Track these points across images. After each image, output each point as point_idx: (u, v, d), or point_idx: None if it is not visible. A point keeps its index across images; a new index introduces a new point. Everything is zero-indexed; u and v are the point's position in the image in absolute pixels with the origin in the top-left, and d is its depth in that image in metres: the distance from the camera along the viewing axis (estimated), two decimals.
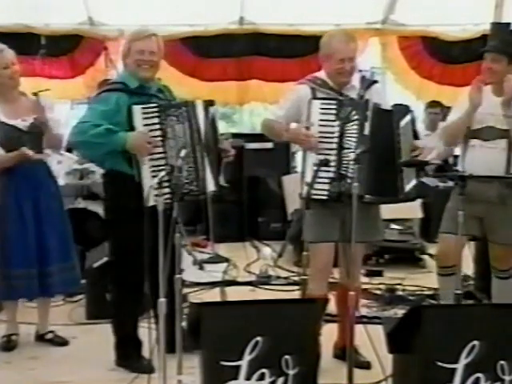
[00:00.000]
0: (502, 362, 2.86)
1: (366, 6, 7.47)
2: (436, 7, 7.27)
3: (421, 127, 7.77)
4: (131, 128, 3.49)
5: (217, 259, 6.17)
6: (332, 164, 3.45)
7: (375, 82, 3.84)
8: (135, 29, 3.82)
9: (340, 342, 3.84)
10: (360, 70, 3.86)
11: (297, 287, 4.18)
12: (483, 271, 4.62)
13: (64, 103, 7.59)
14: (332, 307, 3.68)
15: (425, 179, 7.06)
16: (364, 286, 4.69)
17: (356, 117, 3.46)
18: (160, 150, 3.50)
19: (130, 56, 3.65)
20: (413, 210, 6.33)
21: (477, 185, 3.80)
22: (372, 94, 3.65)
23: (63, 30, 7.47)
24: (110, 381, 3.72)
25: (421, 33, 7.87)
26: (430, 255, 5.87)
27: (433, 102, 7.57)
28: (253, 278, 5.59)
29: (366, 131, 3.44)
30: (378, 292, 5.12)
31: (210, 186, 3.62)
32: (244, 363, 2.82)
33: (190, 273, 4.21)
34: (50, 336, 4.22)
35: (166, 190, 3.24)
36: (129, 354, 3.81)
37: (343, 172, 3.45)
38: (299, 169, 3.81)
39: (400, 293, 5.11)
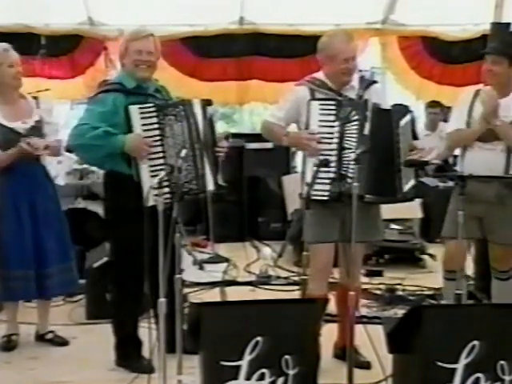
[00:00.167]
0: (502, 362, 2.86)
1: (366, 5, 7.46)
2: (436, 7, 7.27)
3: (421, 127, 7.79)
4: (129, 128, 3.48)
5: (217, 259, 6.17)
6: (332, 164, 3.45)
7: (374, 82, 3.85)
8: (133, 29, 3.82)
9: (340, 342, 3.84)
10: (360, 70, 3.86)
11: (297, 287, 4.18)
12: (483, 271, 4.62)
13: (64, 103, 7.61)
14: (332, 307, 3.68)
15: (425, 179, 7.08)
16: (364, 286, 4.69)
17: (356, 117, 3.47)
18: (159, 149, 3.50)
19: (128, 56, 3.65)
20: (413, 210, 6.33)
21: (476, 185, 3.80)
22: (371, 94, 3.65)
23: (63, 29, 7.47)
24: (110, 381, 3.72)
25: (421, 33, 7.87)
26: (430, 255, 5.87)
27: (433, 101, 7.58)
28: (253, 278, 5.59)
29: (366, 131, 3.44)
30: (378, 292, 5.13)
31: (210, 186, 3.61)
32: (244, 363, 2.82)
33: (190, 273, 4.21)
34: (50, 336, 4.23)
35: (166, 190, 3.24)
36: (129, 354, 3.81)
37: (343, 172, 3.45)
38: (299, 169, 3.81)
39: (400, 293, 5.12)
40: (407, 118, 3.57)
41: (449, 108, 7.29)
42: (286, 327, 2.86)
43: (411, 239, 6.11)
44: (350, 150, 3.43)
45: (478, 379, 2.85)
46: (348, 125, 3.47)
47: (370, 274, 5.52)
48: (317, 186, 3.41)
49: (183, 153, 3.35)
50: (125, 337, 3.83)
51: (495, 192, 3.90)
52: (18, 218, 3.98)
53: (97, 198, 5.62)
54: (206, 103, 3.68)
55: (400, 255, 5.95)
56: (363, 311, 4.55)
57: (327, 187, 3.46)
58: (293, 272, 5.63)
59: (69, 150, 5.92)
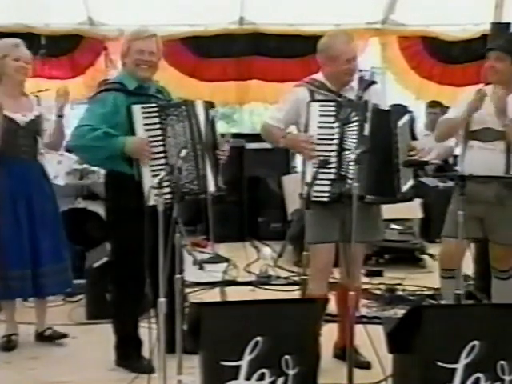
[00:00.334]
0: (502, 361, 2.86)
1: (366, 5, 7.46)
2: (436, 7, 7.27)
3: (421, 127, 7.78)
4: (131, 128, 3.48)
5: (217, 259, 6.17)
6: (332, 165, 3.45)
7: (373, 82, 3.84)
8: (135, 28, 3.82)
9: (340, 342, 3.84)
10: (360, 70, 3.87)
11: (297, 287, 4.18)
12: (483, 271, 4.62)
13: None
14: (332, 307, 3.68)
15: (425, 179, 7.08)
16: (364, 286, 4.69)
17: (355, 118, 3.47)
18: (160, 149, 3.50)
19: (130, 55, 3.64)
20: (413, 209, 6.33)
21: (475, 185, 3.80)
22: (370, 94, 3.65)
23: (63, 29, 7.47)
24: (110, 381, 3.72)
25: (421, 33, 7.86)
26: (430, 255, 5.87)
27: (433, 102, 7.58)
28: (253, 278, 5.60)
29: (366, 132, 3.44)
30: (378, 292, 5.13)
31: (211, 187, 3.61)
32: (244, 363, 2.82)
33: (190, 273, 4.20)
34: (48, 332, 4.22)
35: (166, 190, 3.24)
36: (129, 354, 3.81)
37: (343, 173, 3.45)
38: (299, 169, 3.81)
39: (400, 293, 5.12)
40: (405, 118, 3.58)
41: (449, 108, 7.30)
42: (286, 327, 2.86)
43: (411, 239, 6.11)
44: (350, 151, 3.42)
45: (477, 379, 2.85)
46: (348, 126, 3.47)
47: (369, 273, 5.52)
48: (317, 187, 3.41)
49: (183, 153, 3.35)
50: (125, 337, 3.83)
51: (495, 192, 3.90)
52: (16, 218, 3.98)
53: (97, 198, 5.62)
54: (209, 105, 3.68)
55: (400, 255, 5.95)
56: (363, 311, 4.55)
57: (327, 188, 3.46)
58: (293, 272, 5.63)
59: (69, 150, 5.95)
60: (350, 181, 3.36)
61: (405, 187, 3.51)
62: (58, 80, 7.36)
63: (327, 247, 3.61)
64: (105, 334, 3.98)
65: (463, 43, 7.72)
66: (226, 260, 6.15)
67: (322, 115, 3.50)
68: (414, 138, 6.02)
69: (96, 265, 4.61)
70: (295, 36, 7.67)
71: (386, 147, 3.47)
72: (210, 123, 3.64)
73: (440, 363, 2.83)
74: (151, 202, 3.22)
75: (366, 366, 3.76)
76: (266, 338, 2.82)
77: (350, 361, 3.23)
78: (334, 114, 3.49)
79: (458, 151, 4.26)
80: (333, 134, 3.49)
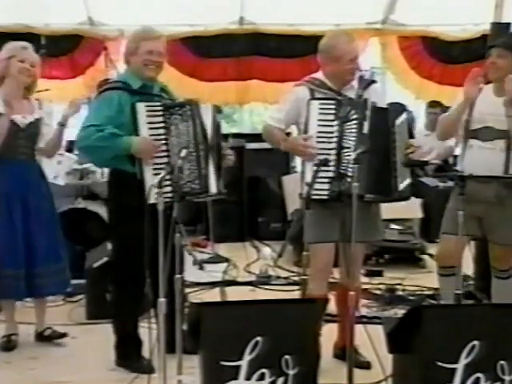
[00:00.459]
0: (502, 361, 2.86)
1: (366, 5, 7.47)
2: (436, 7, 7.27)
3: (420, 127, 7.78)
4: (135, 126, 3.48)
5: (217, 259, 6.18)
6: (331, 163, 3.46)
7: (373, 81, 3.84)
8: (140, 28, 3.79)
9: (340, 342, 3.84)
10: (360, 70, 3.87)
11: (297, 287, 4.18)
12: (483, 271, 4.62)
13: (64, 103, 7.60)
14: (332, 307, 3.68)
15: (425, 179, 7.08)
16: (364, 286, 4.69)
17: (355, 116, 3.47)
18: (163, 148, 3.50)
19: (138, 55, 3.64)
20: (413, 209, 6.33)
21: (475, 185, 3.80)
22: (370, 93, 3.66)
23: (63, 29, 7.47)
24: (110, 381, 3.72)
25: (421, 33, 7.87)
26: (430, 255, 5.87)
27: (433, 102, 7.57)
28: (253, 278, 5.59)
29: (365, 130, 3.44)
30: (378, 292, 5.13)
31: (212, 188, 3.61)
32: (244, 363, 2.82)
33: (190, 273, 4.21)
34: (48, 332, 4.22)
35: (166, 189, 3.24)
36: (129, 354, 3.81)
37: (343, 171, 3.45)
38: (299, 169, 3.81)
39: (400, 293, 5.12)
40: (403, 116, 3.57)
41: (449, 108, 7.30)
42: (286, 327, 2.86)
43: (411, 239, 6.11)
44: (350, 150, 3.43)
45: (477, 379, 2.85)
46: (347, 124, 3.48)
47: (369, 273, 5.52)
48: (316, 186, 3.41)
49: (183, 153, 3.35)
50: (125, 337, 3.83)
51: (495, 192, 3.90)
52: (10, 217, 3.98)
53: (97, 198, 5.62)
54: (218, 110, 3.69)
55: (400, 255, 5.95)
56: (363, 311, 4.55)
57: (326, 186, 3.46)
58: (293, 272, 5.63)
59: (69, 150, 5.95)
60: (349, 179, 3.36)
61: (402, 186, 3.51)
62: (57, 80, 7.38)
63: (327, 247, 3.61)
64: (105, 333, 3.98)
65: (463, 43, 7.72)
66: (226, 260, 6.15)
67: (321, 113, 3.50)
68: (411, 136, 6.02)
69: (96, 265, 4.61)
70: (295, 36, 7.67)
71: (383, 145, 3.47)
72: (216, 127, 3.64)
73: (440, 363, 2.83)
74: (152, 200, 3.22)
75: (366, 366, 3.76)
76: (266, 337, 2.82)
77: (350, 361, 3.23)
78: (333, 112, 3.49)
79: (457, 151, 4.26)
80: (332, 132, 3.49)
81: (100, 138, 3.48)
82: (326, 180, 3.45)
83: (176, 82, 7.19)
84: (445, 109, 7.38)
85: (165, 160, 3.49)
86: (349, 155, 3.41)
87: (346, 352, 3.36)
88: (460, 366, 2.84)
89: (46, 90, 4.48)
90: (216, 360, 2.81)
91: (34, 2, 7.11)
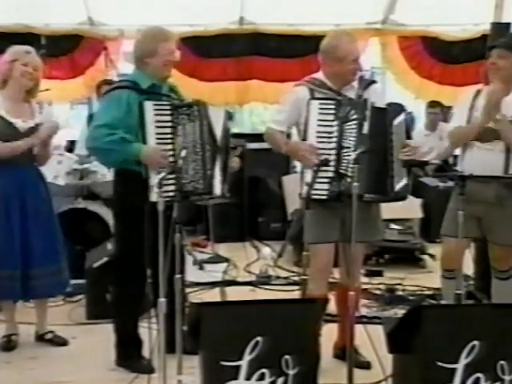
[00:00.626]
0: (502, 361, 2.86)
1: (366, 5, 7.46)
2: (436, 7, 7.27)
3: (420, 127, 7.79)
4: (142, 124, 3.46)
5: (217, 259, 6.18)
6: (331, 164, 3.45)
7: (373, 81, 3.84)
8: (151, 28, 3.78)
9: (340, 342, 3.84)
10: (361, 70, 3.87)
11: (297, 287, 4.18)
12: (483, 271, 4.62)
13: (64, 103, 7.61)
14: (332, 307, 3.68)
15: (425, 179, 7.09)
16: (364, 286, 4.69)
17: (355, 116, 3.47)
18: (169, 147, 3.50)
19: (157, 56, 3.64)
20: (413, 209, 6.34)
21: (475, 185, 3.80)
22: (370, 93, 3.65)
23: (63, 29, 7.47)
24: (110, 381, 3.72)
25: (421, 33, 7.86)
26: (430, 255, 5.87)
27: (433, 101, 7.58)
28: (253, 278, 5.59)
29: (365, 130, 3.43)
30: (378, 292, 5.13)
31: (217, 190, 3.60)
32: (244, 363, 2.82)
33: (190, 273, 4.22)
34: (49, 336, 4.23)
35: (167, 189, 3.25)
36: (129, 354, 3.81)
37: (342, 171, 3.45)
38: (299, 169, 3.81)
39: (400, 293, 5.12)
40: (401, 117, 3.57)
41: (449, 108, 7.30)
42: (286, 327, 2.86)
43: (411, 239, 6.11)
44: (349, 150, 3.43)
45: (477, 379, 2.85)
46: (347, 124, 3.48)
47: (369, 274, 5.52)
48: (316, 186, 3.41)
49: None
50: (125, 336, 3.83)
51: (494, 193, 3.89)
52: (7, 218, 3.97)
53: (97, 198, 5.62)
54: (229, 115, 3.70)
55: (400, 255, 5.95)
56: (363, 311, 4.55)
57: (326, 187, 3.46)
58: (293, 272, 5.63)
59: (69, 150, 5.96)
60: (349, 179, 3.36)
61: (398, 186, 3.51)
62: (57, 80, 7.37)
63: (327, 247, 3.61)
64: (105, 333, 3.98)
65: (463, 43, 7.71)
66: (226, 260, 6.15)
67: (321, 113, 3.49)
68: (408, 137, 6.04)
69: (96, 265, 4.61)
70: (295, 36, 7.66)
71: (380, 145, 3.46)
72: (226, 130, 3.64)
73: (440, 363, 2.83)
74: (153, 198, 3.22)
75: (366, 366, 3.76)
76: (266, 337, 2.82)
77: (350, 361, 3.23)
78: (333, 112, 3.49)
79: (458, 151, 4.25)
80: (332, 132, 3.48)
81: (110, 142, 3.48)
82: (325, 180, 3.45)
83: (176, 82, 7.16)
84: (445, 109, 7.43)
85: (170, 159, 3.49)
86: (348, 155, 3.41)
87: (345, 352, 3.36)
88: (460, 366, 2.84)
89: (46, 90, 4.47)
90: (216, 360, 2.81)
91: (34, 2, 7.10)
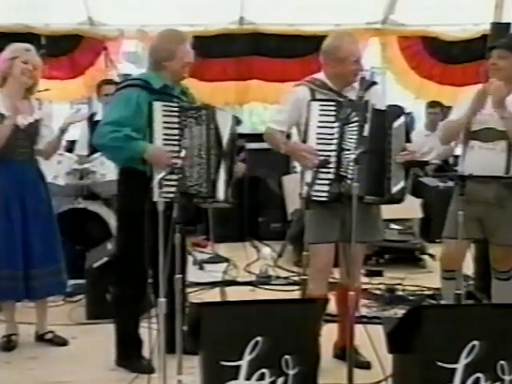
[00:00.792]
0: (502, 361, 2.86)
1: (366, 5, 7.47)
2: (436, 7, 7.27)
3: (420, 127, 7.78)
4: (150, 124, 3.47)
5: (217, 259, 6.18)
6: (331, 165, 3.45)
7: (374, 83, 3.84)
8: (166, 30, 3.79)
9: (340, 342, 3.84)
10: (363, 71, 3.87)
11: (297, 287, 4.18)
12: (483, 271, 4.62)
13: (64, 103, 7.60)
14: (332, 307, 3.68)
15: (425, 179, 7.09)
16: (364, 286, 4.69)
17: (355, 118, 3.46)
18: (175, 148, 3.50)
19: (176, 59, 3.65)
20: (413, 209, 6.34)
21: (475, 185, 3.80)
22: (371, 95, 3.64)
23: (63, 29, 7.47)
24: (110, 381, 3.72)
25: (421, 33, 7.86)
26: (430, 255, 5.87)
27: (433, 102, 7.58)
28: (253, 278, 5.59)
29: (366, 133, 3.43)
30: (378, 292, 5.13)
31: (220, 194, 3.60)
32: (244, 363, 2.82)
33: (190, 273, 4.22)
34: (49, 336, 4.23)
35: (172, 189, 3.26)
36: (129, 354, 3.81)
37: (342, 173, 3.44)
38: (299, 169, 3.81)
39: (400, 293, 5.12)
40: (401, 119, 3.57)
41: (449, 108, 7.29)
42: (286, 327, 2.86)
43: (411, 239, 6.11)
44: (350, 152, 3.42)
45: (477, 379, 2.85)
46: (348, 126, 3.47)
47: (369, 273, 5.51)
48: (316, 187, 3.41)
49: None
50: (126, 336, 3.82)
51: (495, 193, 3.89)
52: (8, 218, 3.97)
53: (97, 198, 5.62)
54: (237, 120, 3.69)
55: (400, 255, 5.95)
56: (363, 311, 4.55)
57: (326, 188, 3.46)
58: (293, 272, 5.63)
59: (69, 150, 5.95)
60: (348, 181, 3.36)
61: (395, 188, 3.51)
62: (57, 80, 7.37)
63: (327, 247, 3.61)
64: (105, 333, 3.98)
65: (463, 43, 7.71)
66: (226, 260, 6.15)
67: (322, 114, 3.49)
68: (408, 140, 6.04)
69: (96, 265, 4.61)
70: (295, 36, 7.66)
71: (379, 147, 3.46)
72: (233, 136, 3.64)
73: (440, 363, 2.83)
74: (155, 198, 3.22)
75: (366, 366, 3.76)
76: (266, 337, 2.82)
77: (350, 361, 3.23)
78: (334, 113, 3.49)
79: (458, 151, 4.25)
80: (332, 134, 3.48)
81: (115, 139, 3.49)
82: (325, 182, 3.45)
83: None
84: (445, 109, 7.42)
85: (175, 160, 3.48)
86: (349, 157, 3.40)
87: (345, 352, 3.36)
88: (460, 366, 2.84)
89: (46, 89, 4.47)
90: (216, 360, 2.81)
91: (34, 2, 7.11)
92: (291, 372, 2.85)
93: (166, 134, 3.48)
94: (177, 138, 3.49)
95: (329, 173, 3.45)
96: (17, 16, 7.20)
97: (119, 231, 3.87)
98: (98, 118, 5.83)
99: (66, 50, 7.54)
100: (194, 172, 3.49)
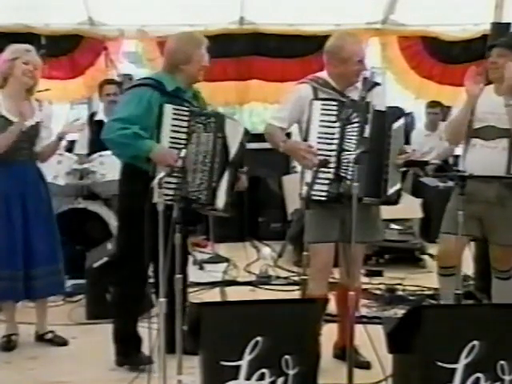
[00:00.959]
0: (502, 362, 2.86)
1: (366, 5, 7.46)
2: (436, 7, 7.27)
3: (420, 127, 7.78)
4: (158, 125, 3.48)
5: (217, 259, 6.18)
6: (331, 165, 3.45)
7: (377, 84, 3.82)
8: (183, 34, 3.85)
9: (340, 342, 3.84)
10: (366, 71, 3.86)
11: (297, 287, 4.18)
12: (483, 271, 4.62)
13: (64, 103, 7.60)
14: (332, 307, 3.68)
15: (425, 179, 7.09)
16: (364, 286, 4.69)
17: (356, 119, 3.45)
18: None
19: (193, 63, 3.70)
20: (413, 209, 6.34)
21: (476, 184, 3.80)
22: (373, 96, 3.64)
23: (63, 29, 7.46)
24: (110, 381, 3.72)
25: (421, 33, 7.86)
26: (430, 255, 5.87)
27: (433, 102, 7.58)
28: (253, 278, 5.59)
29: (366, 134, 3.42)
30: (378, 292, 5.13)
31: (220, 203, 3.59)
32: (244, 363, 2.82)
33: (190, 273, 4.22)
34: (49, 336, 4.23)
35: (171, 192, 3.25)
36: (129, 352, 3.82)
37: (342, 174, 3.44)
38: (299, 169, 3.81)
39: (400, 293, 5.12)
40: (401, 121, 3.57)
41: (449, 108, 7.30)
42: (286, 327, 2.86)
43: (411, 239, 6.11)
44: (350, 152, 3.42)
45: (477, 379, 2.85)
46: (348, 126, 3.47)
47: (369, 274, 5.52)
48: (316, 187, 3.41)
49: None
50: (126, 336, 3.83)
51: (496, 192, 3.89)
52: (9, 218, 3.98)
53: (97, 198, 5.62)
54: (247, 132, 3.69)
55: (400, 255, 5.95)
56: (363, 311, 4.55)
57: (325, 188, 3.46)
58: (293, 272, 5.63)
59: (68, 150, 5.95)
60: (348, 182, 3.36)
61: (391, 190, 3.51)
62: (57, 80, 7.37)
63: (327, 247, 3.61)
64: (105, 334, 3.98)
65: (463, 43, 7.71)
66: (226, 260, 6.15)
67: (323, 114, 3.49)
68: (407, 142, 6.05)
69: (96, 265, 4.61)
70: (295, 36, 7.65)
71: (377, 148, 3.45)
72: (241, 148, 3.64)
73: (440, 363, 2.83)
74: (154, 199, 3.22)
75: (366, 366, 3.76)
76: (266, 337, 2.82)
77: (350, 361, 3.23)
78: (335, 113, 3.48)
79: (458, 151, 4.25)
80: (333, 134, 3.48)
81: (123, 135, 3.50)
82: (325, 181, 3.45)
83: None
84: (445, 109, 7.42)
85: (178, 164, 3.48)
86: (349, 158, 3.40)
87: (345, 352, 3.36)
88: (460, 366, 2.84)
89: (46, 89, 4.47)
90: (216, 360, 2.81)
91: (34, 2, 7.09)
92: (291, 372, 2.85)
93: (172, 137, 3.49)
94: (184, 142, 3.50)
95: (328, 173, 3.45)
96: (17, 16, 7.19)
97: (120, 231, 3.87)
98: (98, 117, 5.84)
99: (65, 50, 7.53)
100: (196, 178, 3.50)
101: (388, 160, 3.48)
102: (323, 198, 3.46)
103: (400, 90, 8.01)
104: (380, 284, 5.31)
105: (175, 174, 3.35)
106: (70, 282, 4.74)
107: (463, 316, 2.95)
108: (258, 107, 8.83)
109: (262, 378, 2.83)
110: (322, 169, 3.41)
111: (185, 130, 3.51)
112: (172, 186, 3.33)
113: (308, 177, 3.47)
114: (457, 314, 2.99)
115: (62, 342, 4.19)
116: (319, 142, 3.48)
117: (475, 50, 7.16)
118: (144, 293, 3.61)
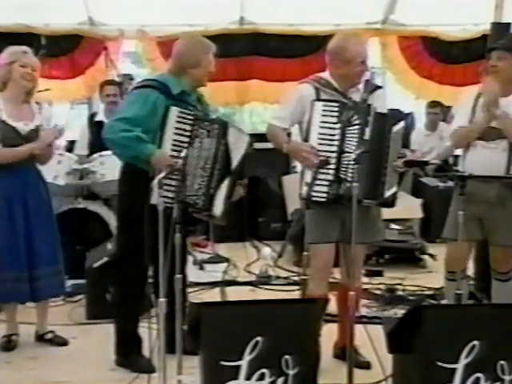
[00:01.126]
0: (502, 362, 2.86)
1: (366, 5, 7.46)
2: (436, 7, 7.27)
3: (421, 127, 7.78)
4: (162, 127, 3.48)
5: (217, 259, 6.18)
6: (331, 167, 3.45)
7: (379, 87, 3.81)
8: (193, 37, 3.84)
9: (340, 342, 3.84)
10: (368, 71, 3.86)
11: (297, 287, 4.18)
12: (483, 271, 4.61)
13: (64, 103, 7.60)
14: (332, 307, 3.68)
15: (425, 179, 7.09)
16: (364, 286, 4.69)
17: (357, 121, 3.45)
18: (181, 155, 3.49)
19: (201, 68, 3.68)
20: (413, 209, 6.34)
21: (476, 185, 3.80)
22: (374, 98, 3.63)
23: (63, 29, 7.46)
24: (110, 381, 3.72)
25: (421, 33, 7.86)
26: (430, 255, 5.87)
27: (433, 102, 7.58)
28: (253, 278, 5.59)
29: (367, 136, 3.42)
30: (378, 292, 5.13)
31: (217, 210, 3.59)
32: (244, 363, 2.82)
33: (190, 273, 4.22)
34: (49, 336, 4.23)
35: (170, 195, 3.26)
36: (129, 353, 3.82)
37: (342, 175, 3.44)
38: (299, 169, 3.81)
39: (400, 293, 5.12)
40: (401, 124, 3.57)
41: (449, 108, 7.31)
42: (286, 327, 2.86)
43: (411, 239, 6.11)
44: (350, 154, 3.41)
45: (477, 379, 2.85)
46: (349, 128, 3.46)
47: (369, 274, 5.51)
48: (316, 188, 3.41)
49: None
50: (126, 336, 3.82)
51: (496, 193, 3.89)
52: (12, 220, 3.97)
53: (97, 198, 5.62)
54: (251, 143, 3.69)
55: (400, 255, 5.95)
56: (363, 311, 4.55)
57: (325, 189, 3.45)
58: (293, 272, 5.63)
59: (68, 150, 5.96)
60: (348, 184, 3.35)
61: (388, 193, 3.51)
62: (57, 80, 7.37)
63: (327, 247, 3.61)
64: (105, 334, 3.98)
65: (463, 43, 7.71)
66: (226, 260, 6.15)
67: (324, 115, 3.48)
68: (405, 145, 6.05)
69: (96, 265, 4.61)
70: (295, 36, 7.65)
71: (376, 150, 3.45)
72: (244, 158, 3.64)
73: (440, 363, 2.83)
74: (153, 201, 3.23)
75: (366, 366, 3.76)
76: (266, 337, 2.82)
77: (350, 361, 3.23)
78: (336, 114, 3.47)
79: (458, 151, 4.25)
80: (334, 135, 3.47)
81: (125, 138, 3.49)
82: (325, 182, 3.44)
83: None
84: (445, 109, 7.42)
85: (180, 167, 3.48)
86: (349, 160, 3.40)
87: (346, 352, 3.36)
88: (460, 366, 2.84)
89: (46, 89, 4.47)
90: (216, 360, 2.81)
91: (34, 2, 7.10)
92: (291, 372, 2.85)
93: (175, 140, 3.49)
94: (186, 146, 3.49)
95: (328, 174, 3.45)
96: (17, 16, 7.19)
97: (120, 231, 3.87)
98: (98, 118, 5.84)
99: (66, 49, 7.53)
100: (195, 183, 3.49)
101: (387, 163, 3.48)
102: (323, 199, 3.46)
103: (400, 90, 8.02)
104: (380, 284, 5.30)
105: (174, 177, 3.35)
106: (70, 282, 4.73)
107: (463, 316, 2.95)
108: (258, 107, 8.83)
109: (261, 378, 2.83)
110: (322, 170, 3.41)
111: (188, 133, 3.50)
112: (171, 188, 3.32)
113: (308, 177, 3.47)
114: (457, 314, 2.99)
115: (62, 342, 4.19)
116: (320, 143, 3.48)
117: (475, 50, 7.17)
118: (144, 293, 3.60)
